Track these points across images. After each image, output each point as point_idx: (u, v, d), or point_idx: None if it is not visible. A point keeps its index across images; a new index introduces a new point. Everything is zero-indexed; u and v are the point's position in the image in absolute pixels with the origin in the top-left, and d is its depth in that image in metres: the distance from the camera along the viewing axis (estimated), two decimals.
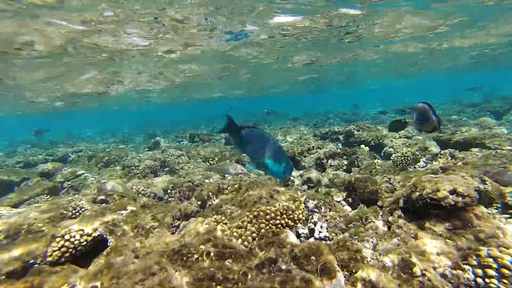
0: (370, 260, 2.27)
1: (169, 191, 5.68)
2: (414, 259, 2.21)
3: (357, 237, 3.04)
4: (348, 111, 25.25)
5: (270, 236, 2.26)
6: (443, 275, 2.20)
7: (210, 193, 4.00)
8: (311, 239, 3.35)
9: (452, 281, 2.16)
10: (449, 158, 5.02)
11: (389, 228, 3.19)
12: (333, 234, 3.36)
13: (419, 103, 3.62)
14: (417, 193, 3.02)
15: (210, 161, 8.55)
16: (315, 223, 3.45)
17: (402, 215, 3.22)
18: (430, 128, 3.64)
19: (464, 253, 2.30)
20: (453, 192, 2.80)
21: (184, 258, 1.99)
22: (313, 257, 1.98)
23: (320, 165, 7.11)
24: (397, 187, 4.06)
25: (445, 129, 9.54)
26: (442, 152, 5.66)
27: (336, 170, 6.85)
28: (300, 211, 2.82)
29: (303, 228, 3.44)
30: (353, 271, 2.17)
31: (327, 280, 1.79)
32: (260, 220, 2.64)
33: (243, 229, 2.54)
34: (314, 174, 6.50)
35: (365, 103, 30.80)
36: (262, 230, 2.49)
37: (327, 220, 3.50)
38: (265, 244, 2.17)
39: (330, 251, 2.37)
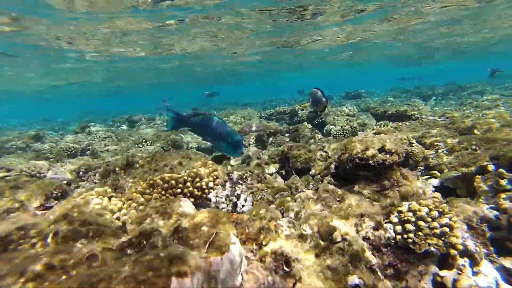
0: (285, 229, 1.87)
1: (81, 173, 4.77)
2: (335, 223, 1.87)
3: (282, 207, 2.67)
4: (298, 97, 25.65)
5: (157, 206, 1.71)
6: (365, 238, 1.90)
7: (117, 168, 3.29)
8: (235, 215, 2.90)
9: (373, 243, 1.88)
10: (383, 126, 5.00)
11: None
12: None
13: (313, 88, 4.25)
14: (347, 154, 2.73)
15: (143, 143, 7.64)
16: (238, 196, 3.00)
17: (332, 180, 2.94)
18: (322, 107, 4.24)
19: (387, 211, 2.04)
20: (382, 150, 2.56)
21: (11, 246, 1.35)
22: (204, 228, 1.49)
23: (261, 142, 6.74)
24: (331, 154, 3.82)
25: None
26: (378, 123, 5.68)
27: (277, 147, 6.55)
28: (211, 179, 2.31)
29: (224, 203, 2.97)
30: (263, 243, 1.75)
31: (216, 255, 1.31)
32: (156, 190, 2.07)
33: (131, 201, 1.96)
34: (253, 150, 6.11)
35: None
36: (157, 199, 1.93)
37: (253, 193, 3.08)
38: (145, 216, 1.62)
39: (239, 221, 1.92)
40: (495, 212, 2.17)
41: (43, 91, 25.64)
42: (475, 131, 3.93)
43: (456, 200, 2.34)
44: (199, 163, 2.50)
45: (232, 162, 6.07)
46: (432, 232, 1.78)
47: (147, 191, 2.06)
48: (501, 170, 2.46)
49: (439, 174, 3.41)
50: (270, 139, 7.10)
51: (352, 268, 1.67)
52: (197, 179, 2.24)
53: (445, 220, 1.79)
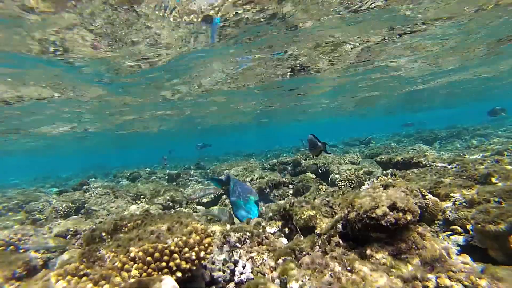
0: None
1: (68, 237, 4.43)
2: None
3: (285, 276, 2.30)
4: (299, 146, 25.80)
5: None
6: None
7: (103, 233, 3.00)
8: (231, 284, 2.52)
9: None
10: (390, 176, 4.74)
11: None
12: (259, 274, 2.58)
13: (308, 135, 4.57)
14: (354, 213, 2.45)
15: (141, 198, 7.36)
16: (236, 262, 2.65)
17: (341, 242, 2.60)
18: (318, 151, 4.51)
19: (411, 286, 1.69)
20: (393, 207, 2.29)
21: None
22: None
23: (262, 194, 6.43)
24: (337, 210, 3.51)
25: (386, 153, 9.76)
26: (384, 172, 5.43)
27: (280, 200, 6.22)
28: (203, 247, 2.03)
29: (220, 271, 2.61)
30: None
31: None
32: (137, 265, 1.78)
33: (104, 281, 1.65)
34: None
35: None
36: (132, 280, 1.63)
37: (252, 258, 2.72)
38: None
39: None
40: None
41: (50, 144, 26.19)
42: (493, 179, 3.65)
43: (494, 269, 1.98)
44: (189, 229, 2.23)
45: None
46: None
47: (126, 266, 1.77)
48: None
49: (461, 230, 3.05)
50: (274, 191, 6.81)
51: None
52: (186, 249, 1.96)
53: None
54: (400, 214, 2.24)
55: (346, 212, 2.59)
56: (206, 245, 2.04)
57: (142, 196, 7.39)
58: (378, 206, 2.31)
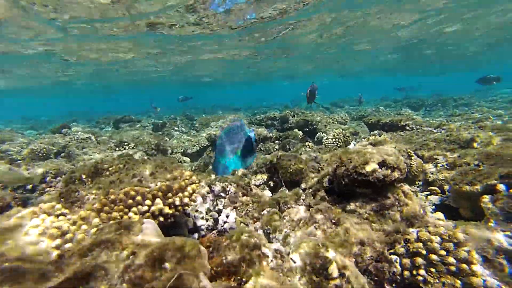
0: (271, 260, 1.54)
1: (48, 178, 4.31)
2: (330, 254, 1.55)
3: (268, 226, 2.34)
4: (290, 104, 25.53)
5: (110, 231, 1.35)
6: (366, 271, 1.59)
7: (83, 175, 2.89)
8: (214, 233, 2.55)
9: (376, 278, 1.57)
10: (377, 136, 4.77)
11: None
12: (242, 224, 2.61)
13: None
14: (343, 168, 2.43)
15: (125, 145, 7.19)
16: (219, 211, 2.66)
17: (326, 197, 2.63)
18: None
19: (392, 239, 1.73)
20: (383, 164, 2.27)
21: None
22: (167, 265, 1.15)
23: None
24: (324, 166, 3.52)
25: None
26: (372, 133, 5.46)
27: (265, 155, 6.24)
28: (187, 193, 1.96)
29: (204, 219, 2.62)
30: (243, 279, 1.41)
31: None
32: (117, 207, 1.71)
33: (82, 222, 1.58)
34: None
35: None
36: (111, 222, 1.57)
37: (236, 207, 2.74)
38: (93, 246, 1.25)
39: (216, 247, 1.58)
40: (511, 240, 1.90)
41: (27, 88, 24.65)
42: (475, 144, 3.72)
43: (465, 225, 2.07)
44: (174, 174, 2.15)
45: None
46: (447, 268, 1.49)
47: (106, 208, 1.69)
48: None
49: (439, 191, 3.16)
50: (259, 145, 6.79)
51: None
52: (169, 194, 1.89)
53: (462, 254, 1.50)
54: (389, 171, 2.23)
55: (335, 167, 2.57)
56: (191, 191, 1.98)
57: (126, 143, 7.21)
58: (368, 162, 2.29)
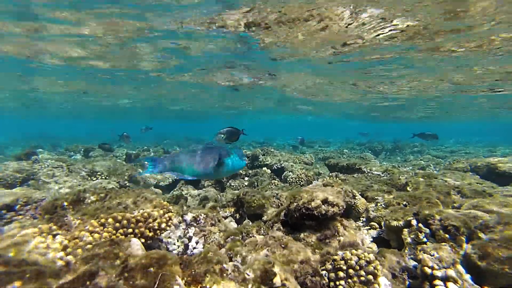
0: (230, 273, 1.98)
1: (17, 207, 4.38)
2: (276, 269, 2.02)
3: (231, 251, 2.76)
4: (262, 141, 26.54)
5: (106, 245, 1.74)
6: (303, 283, 2.07)
7: (65, 203, 3.16)
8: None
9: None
10: (333, 178, 5.47)
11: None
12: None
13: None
14: (295, 204, 2.99)
15: (97, 175, 7.28)
16: (190, 238, 3.04)
17: (281, 227, 3.13)
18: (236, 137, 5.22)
19: (325, 259, 2.25)
20: (325, 201, 2.87)
21: None
22: (152, 269, 1.56)
23: (219, 183, 6.84)
24: (283, 202, 4.06)
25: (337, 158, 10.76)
26: (330, 174, 6.18)
27: (234, 190, 6.68)
28: (164, 220, 2.38)
29: (175, 245, 2.98)
30: (207, 286, 1.83)
31: None
32: (107, 229, 2.08)
33: (77, 240, 1.94)
34: (211, 193, 6.19)
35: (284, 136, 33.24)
36: (104, 240, 1.94)
37: (205, 235, 3.13)
38: (93, 256, 1.64)
39: (187, 263, 1.99)
40: (414, 263, 2.50)
41: None
42: (408, 188, 4.50)
43: (385, 251, 2.65)
44: (153, 203, 2.56)
45: (190, 201, 6.04)
46: (359, 279, 2.02)
47: (97, 229, 2.06)
48: (420, 225, 2.87)
49: (377, 226, 3.79)
50: (230, 181, 7.24)
51: None
52: (150, 220, 2.30)
53: (370, 268, 2.05)
54: (330, 207, 2.82)
55: (289, 203, 3.12)
56: (167, 218, 2.39)
57: (98, 173, 7.31)
58: (314, 199, 2.87)
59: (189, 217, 3.26)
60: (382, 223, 3.78)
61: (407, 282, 2.37)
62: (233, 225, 3.67)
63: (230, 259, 2.68)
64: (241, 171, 7.60)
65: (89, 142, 17.49)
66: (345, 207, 2.98)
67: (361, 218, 3.99)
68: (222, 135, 5.10)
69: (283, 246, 2.47)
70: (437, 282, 2.29)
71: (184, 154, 4.10)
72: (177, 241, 3.05)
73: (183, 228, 3.17)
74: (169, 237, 3.04)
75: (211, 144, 4.22)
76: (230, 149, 4.03)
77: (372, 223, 3.83)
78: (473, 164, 6.42)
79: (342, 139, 28.88)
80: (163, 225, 2.33)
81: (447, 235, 2.74)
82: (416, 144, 20.12)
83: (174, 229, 3.22)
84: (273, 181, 6.26)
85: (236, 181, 7.20)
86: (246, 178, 7.55)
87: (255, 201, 3.86)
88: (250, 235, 3.25)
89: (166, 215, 2.43)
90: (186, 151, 4.17)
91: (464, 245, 2.65)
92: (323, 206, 2.82)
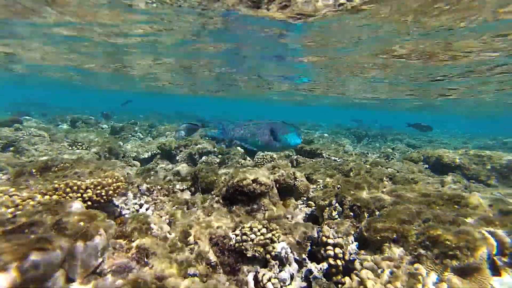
0: (154, 232, 2.50)
1: None
2: (192, 231, 2.55)
3: (172, 218, 3.28)
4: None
5: (50, 204, 2.22)
6: (216, 243, 2.60)
7: (33, 170, 3.62)
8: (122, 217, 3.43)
9: (221, 247, 2.59)
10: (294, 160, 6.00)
11: None
12: (157, 214, 3.52)
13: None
14: (231, 181, 3.49)
15: (78, 145, 7.70)
16: (141, 205, 3.55)
17: (221, 201, 3.65)
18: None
19: (235, 225, 2.79)
20: (255, 181, 3.37)
21: None
22: (82, 223, 2.05)
23: (192, 160, 7.33)
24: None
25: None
26: (294, 157, 6.71)
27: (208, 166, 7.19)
28: (113, 188, 2.86)
29: (128, 210, 3.50)
30: (132, 239, 2.35)
31: (81, 242, 1.89)
32: (58, 192, 2.56)
33: (30, 200, 2.42)
34: (184, 168, 6.67)
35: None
36: (52, 200, 2.42)
37: (156, 203, 3.65)
38: (37, 212, 2.12)
39: (124, 222, 2.50)
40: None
41: None
42: (351, 173, 5.04)
43: (299, 224, 3.20)
44: (106, 174, 3.04)
45: (161, 174, 6.53)
46: (259, 241, 2.56)
47: (49, 192, 2.54)
48: (336, 204, 3.42)
49: (313, 205, 4.35)
50: (203, 157, 7.73)
51: (194, 263, 2.35)
52: (99, 187, 2.77)
53: (269, 235, 2.59)
54: (258, 186, 3.33)
55: (228, 180, 3.63)
56: (115, 187, 2.88)
57: (80, 143, 7.72)
58: (246, 178, 3.38)
59: (144, 187, 3.76)
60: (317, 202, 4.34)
61: (308, 248, 2.94)
62: (187, 196, 4.20)
63: (170, 225, 3.21)
64: (214, 149, 8.08)
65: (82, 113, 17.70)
66: (272, 186, 3.50)
67: (302, 198, 4.54)
68: (182, 132, 5.65)
69: (208, 214, 3.00)
70: (328, 247, 2.87)
71: (250, 127, 4.91)
72: (131, 207, 3.56)
73: (138, 196, 3.68)
74: (125, 203, 3.54)
75: (272, 121, 4.90)
76: (289, 127, 4.69)
77: (310, 202, 4.38)
78: (425, 155, 6.98)
79: (335, 123, 29.28)
80: (110, 192, 2.81)
81: (351, 213, 3.30)
82: (399, 132, 20.75)
83: (131, 197, 3.73)
84: (240, 160, 6.76)
85: (208, 158, 7.69)
86: (220, 156, 8.05)
87: (208, 177, 4.36)
88: (196, 206, 3.78)
89: (115, 185, 2.91)
90: (251, 125, 4.96)
91: (363, 221, 3.21)
92: (252, 184, 3.33)
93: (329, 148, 7.77)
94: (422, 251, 2.63)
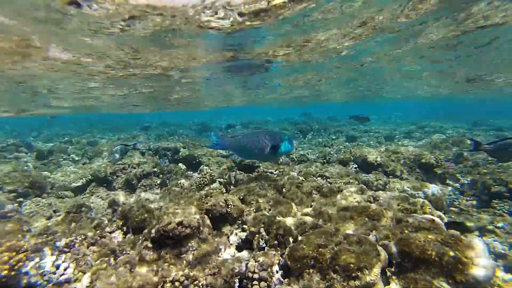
0: None
1: None
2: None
3: (95, 275, 3.13)
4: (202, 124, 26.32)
5: None
6: None
7: None
8: (49, 286, 3.18)
9: None
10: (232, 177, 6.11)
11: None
12: (80, 273, 3.32)
13: None
14: (157, 226, 3.44)
15: None
16: (58, 266, 3.31)
17: (150, 245, 3.58)
18: None
19: (161, 280, 2.78)
20: (180, 223, 3.37)
21: None
22: None
23: (130, 185, 7.00)
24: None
25: None
26: (233, 173, 6.82)
27: (146, 191, 6.93)
28: (11, 265, 2.61)
29: (39, 276, 3.23)
30: None
31: None
32: None
33: None
34: (120, 196, 6.33)
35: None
36: None
37: (77, 259, 3.43)
38: None
39: None
40: None
41: None
42: (284, 189, 5.32)
43: (228, 261, 3.30)
44: (2, 248, 2.75)
45: (98, 207, 6.11)
46: None
47: None
48: (263, 233, 3.60)
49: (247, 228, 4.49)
50: (142, 181, 7.42)
51: None
52: None
53: (191, 287, 2.63)
54: (183, 228, 3.34)
55: (154, 223, 3.57)
56: (16, 262, 2.63)
57: None
58: (171, 222, 3.36)
59: (61, 243, 3.50)
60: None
61: (237, 285, 3.07)
62: (115, 241, 4.01)
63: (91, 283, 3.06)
64: (155, 170, 7.80)
65: None
66: (199, 225, 3.54)
67: (237, 222, 4.66)
68: (116, 154, 5.49)
69: (131, 269, 2.93)
70: (254, 282, 3.02)
71: (245, 136, 5.17)
72: (47, 270, 3.29)
73: (54, 255, 3.41)
74: (37, 267, 3.26)
75: (267, 130, 5.42)
76: (284, 135, 5.10)
77: (244, 226, 4.52)
78: (354, 155, 7.65)
79: (283, 118, 30.11)
80: (5, 273, 2.55)
81: (276, 242, 3.51)
82: (342, 124, 22.32)
83: (48, 256, 3.44)
84: (180, 181, 6.65)
85: (148, 181, 7.41)
86: (161, 176, 7.80)
87: (138, 215, 4.22)
88: (124, 252, 3.65)
89: (16, 258, 2.66)
90: (246, 134, 5.24)
91: (287, 249, 3.44)
92: (178, 228, 3.33)
93: None
94: (334, 275, 2.92)
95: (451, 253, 2.80)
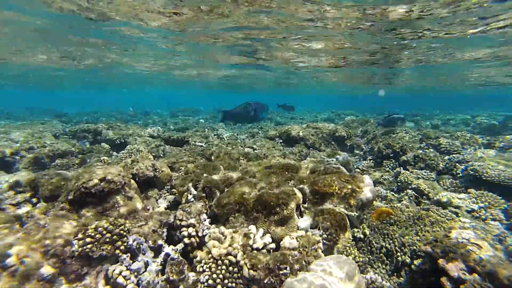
0: None
1: None
2: (14, 250, 2.29)
3: None
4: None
5: None
6: (54, 255, 2.43)
7: None
8: None
9: (61, 257, 2.44)
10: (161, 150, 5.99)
11: None
12: None
13: None
14: (76, 184, 3.24)
15: None
16: None
17: (68, 206, 3.34)
18: None
19: (78, 230, 2.68)
20: (103, 179, 3.25)
21: None
22: None
23: (40, 165, 6.20)
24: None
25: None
26: (163, 147, 6.69)
27: (60, 170, 6.23)
28: None
29: None
30: None
31: None
32: None
33: None
34: (24, 176, 5.57)
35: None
36: None
37: None
38: None
39: None
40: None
41: None
42: (212, 157, 5.51)
43: (154, 213, 3.34)
44: None
45: None
46: (106, 240, 2.56)
47: None
48: (191, 188, 3.73)
49: (176, 192, 4.55)
50: (57, 160, 6.65)
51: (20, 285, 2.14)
52: None
53: (117, 230, 2.62)
54: (107, 184, 3.24)
55: (73, 183, 3.34)
56: None
57: None
58: (92, 178, 3.21)
59: None
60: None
61: (165, 234, 3.15)
62: (22, 210, 3.60)
63: None
64: (72, 149, 7.04)
65: None
66: (124, 182, 3.47)
67: (165, 187, 4.67)
68: None
69: (43, 226, 2.73)
70: (183, 229, 3.16)
71: (240, 108, 11.34)
72: None
73: None
74: None
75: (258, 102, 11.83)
76: (266, 107, 12.78)
77: (173, 189, 4.56)
78: (280, 131, 8.31)
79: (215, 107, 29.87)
80: None
81: (203, 194, 3.70)
82: (271, 111, 23.49)
83: None
84: (102, 158, 6.19)
85: (64, 160, 6.67)
86: (80, 156, 7.09)
87: (51, 182, 3.85)
88: (34, 217, 3.32)
89: None
90: (240, 106, 11.35)
91: (214, 199, 3.67)
92: (101, 184, 3.20)
93: (200, 134, 8.11)
94: (257, 214, 3.27)
95: (349, 186, 3.45)
